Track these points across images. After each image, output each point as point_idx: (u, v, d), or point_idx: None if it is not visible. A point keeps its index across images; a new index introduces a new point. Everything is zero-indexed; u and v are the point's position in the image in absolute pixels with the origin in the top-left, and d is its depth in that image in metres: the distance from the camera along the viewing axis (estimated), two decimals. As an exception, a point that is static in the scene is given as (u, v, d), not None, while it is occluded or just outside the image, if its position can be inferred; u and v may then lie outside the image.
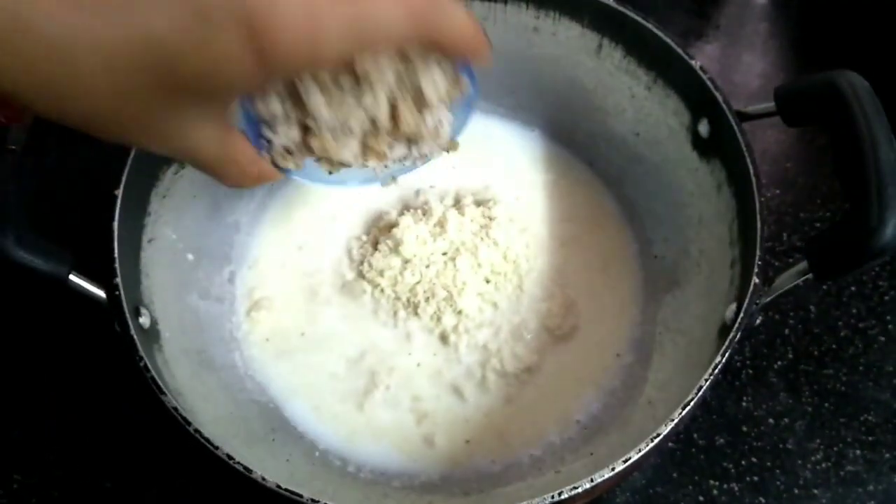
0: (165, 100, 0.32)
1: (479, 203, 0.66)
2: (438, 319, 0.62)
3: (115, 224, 0.53)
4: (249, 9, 0.30)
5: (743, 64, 0.80)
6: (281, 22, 0.30)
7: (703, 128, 0.59)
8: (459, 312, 0.62)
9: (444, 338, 0.62)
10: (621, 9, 0.60)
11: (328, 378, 0.62)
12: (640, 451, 0.46)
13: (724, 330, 0.51)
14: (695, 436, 0.61)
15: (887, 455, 0.61)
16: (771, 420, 0.62)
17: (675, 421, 0.46)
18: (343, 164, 0.46)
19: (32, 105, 0.30)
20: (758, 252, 0.51)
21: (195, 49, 0.30)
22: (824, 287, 0.67)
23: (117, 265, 0.51)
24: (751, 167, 0.53)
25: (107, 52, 0.29)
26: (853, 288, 0.67)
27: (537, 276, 0.65)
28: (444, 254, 0.63)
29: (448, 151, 0.49)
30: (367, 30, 0.33)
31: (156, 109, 0.32)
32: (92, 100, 0.31)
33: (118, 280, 0.51)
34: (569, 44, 0.65)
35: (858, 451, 0.61)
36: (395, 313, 0.63)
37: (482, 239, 0.63)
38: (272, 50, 0.31)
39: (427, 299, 0.62)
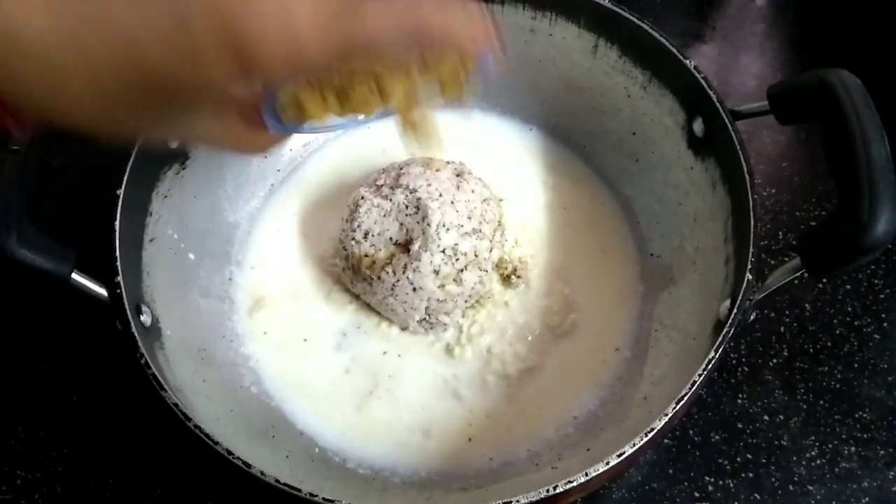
0: (154, 101, 0.33)
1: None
2: (444, 325, 0.63)
3: (117, 223, 0.53)
4: (228, 18, 0.30)
5: (740, 65, 0.80)
6: (260, 32, 0.30)
7: (698, 127, 0.60)
8: (464, 316, 0.63)
9: (447, 347, 0.63)
10: (617, 9, 0.61)
11: (328, 378, 0.62)
12: (634, 445, 0.46)
13: (719, 326, 0.52)
14: (690, 433, 0.62)
15: (882, 452, 0.61)
16: (766, 417, 0.62)
17: (670, 416, 0.47)
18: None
19: (23, 108, 0.31)
20: (751, 248, 0.51)
21: (176, 58, 0.31)
22: (819, 285, 0.67)
23: (119, 264, 0.52)
24: (744, 165, 0.54)
25: (90, 60, 0.30)
26: (848, 286, 0.67)
27: (539, 273, 0.66)
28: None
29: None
30: (353, 37, 0.33)
31: (146, 109, 0.33)
32: (81, 104, 0.31)
33: (119, 278, 0.52)
34: (565, 44, 0.66)
35: (853, 448, 0.61)
36: (400, 315, 0.63)
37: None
38: (252, 58, 0.31)
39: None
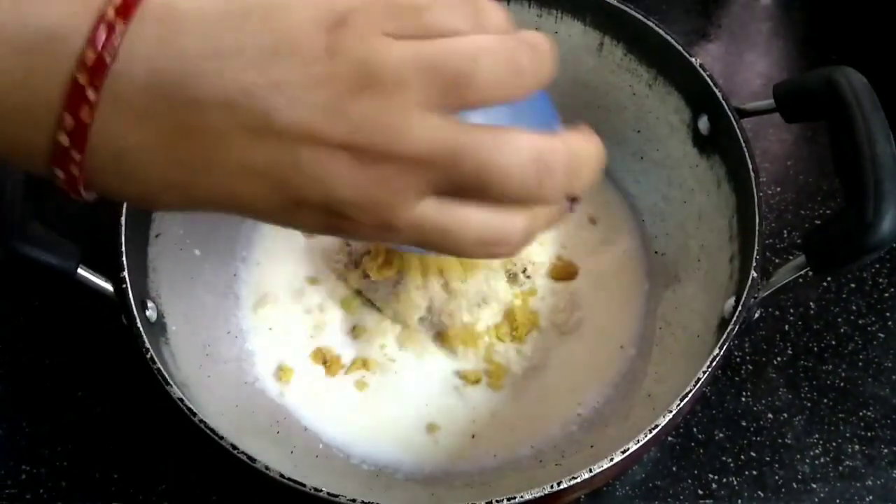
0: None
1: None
2: (445, 325, 0.63)
3: (123, 219, 0.54)
4: (332, 197, 0.30)
5: (745, 63, 0.80)
6: (358, 218, 0.30)
7: (703, 124, 0.59)
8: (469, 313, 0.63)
9: (449, 342, 0.63)
10: (623, 7, 0.61)
11: (333, 374, 0.62)
12: (638, 442, 0.46)
13: (723, 324, 0.52)
14: (694, 430, 0.62)
15: (886, 450, 0.61)
16: (770, 415, 0.62)
17: (674, 413, 0.47)
18: None
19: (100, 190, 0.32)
20: (756, 246, 0.51)
21: (270, 211, 0.31)
22: (824, 283, 0.67)
23: (124, 259, 0.52)
24: (750, 163, 0.54)
25: (182, 186, 0.30)
26: (853, 284, 0.67)
27: (546, 272, 0.66)
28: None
29: None
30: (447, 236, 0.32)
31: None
32: (159, 201, 0.32)
33: (125, 274, 0.52)
34: (571, 42, 0.66)
35: (857, 447, 0.61)
36: (401, 313, 0.63)
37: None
38: (345, 232, 0.32)
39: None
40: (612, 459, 0.46)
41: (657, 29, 0.60)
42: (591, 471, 0.45)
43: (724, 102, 0.56)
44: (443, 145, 0.29)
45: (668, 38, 0.60)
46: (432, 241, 0.32)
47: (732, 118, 0.56)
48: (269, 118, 0.28)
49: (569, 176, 0.31)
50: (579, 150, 0.32)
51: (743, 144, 0.55)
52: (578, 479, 0.45)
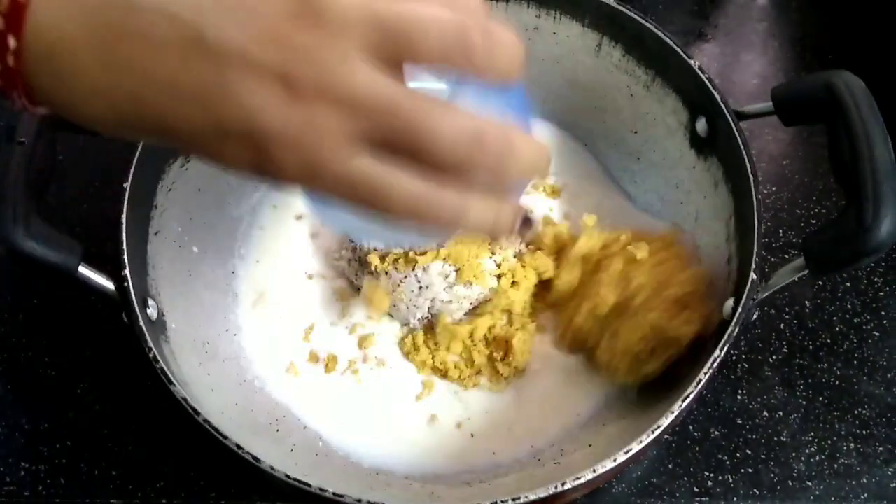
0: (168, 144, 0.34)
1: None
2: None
3: (124, 216, 0.53)
4: (258, 135, 0.30)
5: (742, 64, 0.81)
6: (281, 152, 0.30)
7: (701, 126, 0.60)
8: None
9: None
10: (621, 8, 0.61)
11: (331, 372, 0.62)
12: (641, 442, 0.47)
13: (723, 325, 0.52)
14: (690, 428, 0.62)
15: (880, 448, 0.62)
16: (766, 413, 0.63)
17: (675, 413, 0.47)
18: None
19: (45, 101, 0.31)
20: (755, 248, 0.52)
21: (197, 142, 0.31)
22: (819, 283, 0.68)
23: (125, 257, 0.52)
24: (748, 165, 0.54)
25: (114, 102, 0.30)
26: (848, 283, 0.68)
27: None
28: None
29: None
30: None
31: (159, 141, 0.33)
32: (100, 121, 0.32)
33: (126, 272, 0.52)
34: (569, 43, 0.66)
35: (852, 445, 0.62)
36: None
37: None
38: (268, 169, 0.31)
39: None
40: (615, 460, 0.46)
41: (655, 30, 0.60)
42: (594, 471, 0.46)
43: (722, 105, 0.57)
44: (379, 95, 0.29)
45: (667, 39, 0.60)
46: (361, 195, 0.31)
47: (731, 121, 0.56)
48: (203, 33, 0.28)
49: (501, 160, 0.31)
50: (519, 142, 0.32)
51: (742, 147, 0.55)
52: (582, 480, 0.45)
